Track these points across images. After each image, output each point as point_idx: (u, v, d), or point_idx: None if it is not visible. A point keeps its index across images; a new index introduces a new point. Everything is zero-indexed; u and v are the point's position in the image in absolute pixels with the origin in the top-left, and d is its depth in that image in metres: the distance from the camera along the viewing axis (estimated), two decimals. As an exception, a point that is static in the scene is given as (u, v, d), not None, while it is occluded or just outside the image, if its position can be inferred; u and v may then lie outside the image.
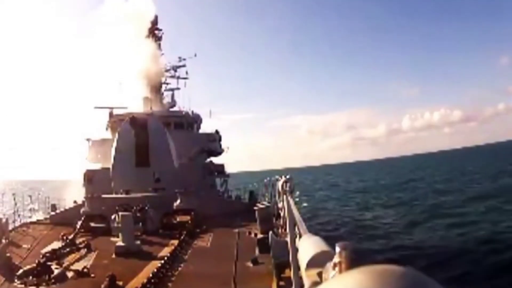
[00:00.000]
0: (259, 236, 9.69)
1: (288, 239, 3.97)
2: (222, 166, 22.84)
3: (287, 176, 5.37)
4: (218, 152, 24.45)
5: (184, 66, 27.15)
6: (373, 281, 0.73)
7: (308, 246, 2.29)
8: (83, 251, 10.09)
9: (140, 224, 11.38)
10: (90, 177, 19.08)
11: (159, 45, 25.79)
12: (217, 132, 24.34)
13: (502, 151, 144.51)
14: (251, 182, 25.75)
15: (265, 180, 15.39)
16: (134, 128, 16.59)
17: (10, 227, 12.39)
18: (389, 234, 23.06)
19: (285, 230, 5.82)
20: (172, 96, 26.76)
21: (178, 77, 27.28)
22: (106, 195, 14.90)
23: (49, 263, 8.50)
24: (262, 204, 11.39)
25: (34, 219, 15.51)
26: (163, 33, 26.43)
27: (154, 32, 25.84)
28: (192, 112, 25.05)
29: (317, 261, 1.98)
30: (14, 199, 14.99)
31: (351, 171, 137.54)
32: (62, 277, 7.84)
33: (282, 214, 7.60)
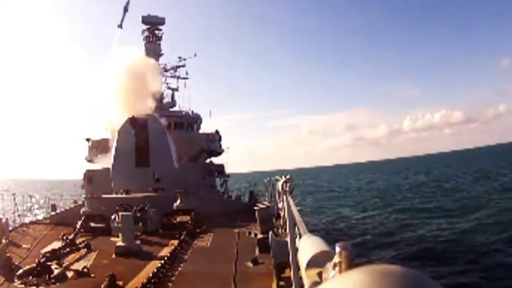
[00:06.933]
0: (259, 236, 9.69)
1: (288, 239, 3.96)
2: (222, 166, 22.84)
3: (287, 176, 5.37)
4: (218, 152, 24.45)
5: (184, 66, 27.18)
6: (373, 281, 0.73)
7: (308, 246, 2.29)
8: (83, 251, 10.09)
9: (140, 224, 11.36)
10: (90, 177, 19.09)
11: (159, 45, 25.81)
12: (217, 132, 24.34)
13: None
14: (249, 182, 25.99)
15: (265, 180, 15.38)
16: (134, 128, 16.59)
17: (10, 227, 12.39)
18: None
19: (285, 230, 5.82)
20: (172, 96, 26.75)
21: (178, 77, 27.30)
22: (106, 195, 14.90)
23: (49, 263, 8.50)
24: (262, 204, 11.38)
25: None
26: (163, 33, 26.44)
27: (154, 32, 25.86)
28: (192, 112, 25.08)
29: (317, 261, 1.97)
30: (14, 199, 14.98)
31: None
32: (62, 277, 7.84)
33: (282, 214, 7.59)
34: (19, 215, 15.07)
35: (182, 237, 10.56)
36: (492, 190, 37.49)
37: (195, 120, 24.67)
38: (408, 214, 28.93)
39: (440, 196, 38.13)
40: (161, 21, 26.02)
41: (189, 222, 12.38)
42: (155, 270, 7.57)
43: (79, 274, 7.99)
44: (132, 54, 20.01)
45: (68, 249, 10.12)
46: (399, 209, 31.68)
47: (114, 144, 17.06)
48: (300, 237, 3.05)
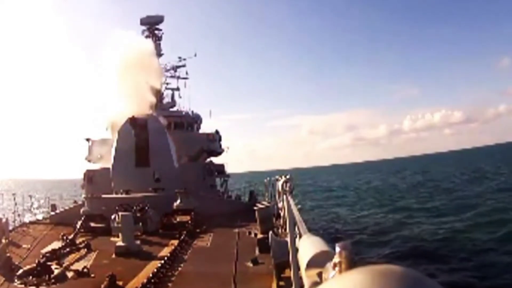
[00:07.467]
0: (259, 236, 9.69)
1: (288, 239, 3.97)
2: (222, 166, 22.83)
3: (287, 176, 5.38)
4: (218, 152, 24.45)
5: (184, 66, 27.16)
6: (373, 281, 0.73)
7: (308, 246, 2.29)
8: (83, 251, 10.09)
9: (140, 224, 11.36)
10: (90, 177, 19.08)
11: (159, 45, 25.82)
12: (217, 132, 24.34)
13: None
14: (249, 182, 26.13)
15: (265, 180, 15.39)
16: (134, 128, 16.59)
17: (10, 227, 12.39)
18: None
19: (285, 230, 5.83)
20: (172, 96, 26.74)
21: (178, 77, 27.28)
22: (106, 195, 14.89)
23: (49, 263, 8.50)
24: (262, 204, 11.38)
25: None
26: (163, 33, 26.45)
27: (154, 32, 25.86)
28: (192, 112, 25.08)
29: (317, 261, 1.98)
30: (14, 199, 14.98)
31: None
32: (62, 277, 7.84)
33: (282, 214, 7.60)
34: (19, 215, 15.07)
35: (182, 237, 10.56)
36: (488, 190, 37.64)
37: (195, 120, 24.68)
38: (405, 213, 29.12)
39: (436, 196, 38.35)
40: (160, 20, 25.98)
41: (189, 222, 12.38)
42: (155, 270, 7.57)
43: (79, 274, 7.99)
44: (132, 40, 19.99)
45: (68, 249, 10.11)
46: (395, 209, 31.93)
47: (114, 144, 17.06)
48: (300, 237, 3.06)
